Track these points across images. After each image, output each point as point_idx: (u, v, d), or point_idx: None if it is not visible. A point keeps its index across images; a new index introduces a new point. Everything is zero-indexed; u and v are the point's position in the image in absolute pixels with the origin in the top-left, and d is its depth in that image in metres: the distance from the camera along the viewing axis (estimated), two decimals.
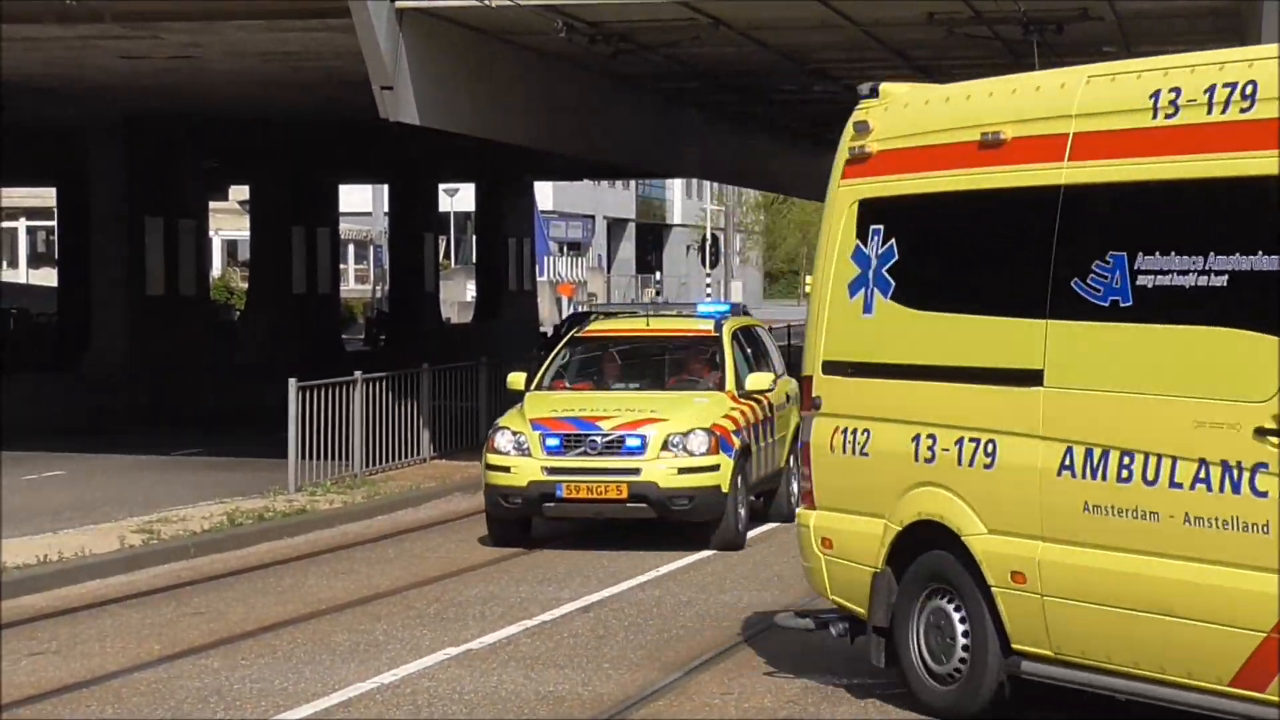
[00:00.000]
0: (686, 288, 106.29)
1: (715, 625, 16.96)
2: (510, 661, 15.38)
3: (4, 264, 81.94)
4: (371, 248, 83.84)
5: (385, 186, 62.69)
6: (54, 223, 59.84)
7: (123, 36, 28.75)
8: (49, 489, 27.68)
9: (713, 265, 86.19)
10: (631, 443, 21.38)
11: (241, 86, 35.22)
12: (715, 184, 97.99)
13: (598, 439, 21.38)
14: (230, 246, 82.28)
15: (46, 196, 58.36)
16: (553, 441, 21.38)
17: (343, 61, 26.69)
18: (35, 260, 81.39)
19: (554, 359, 24.05)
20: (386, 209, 62.44)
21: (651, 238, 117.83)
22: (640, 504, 21.28)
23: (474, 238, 69.68)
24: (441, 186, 63.94)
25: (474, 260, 69.33)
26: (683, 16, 27.68)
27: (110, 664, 15.39)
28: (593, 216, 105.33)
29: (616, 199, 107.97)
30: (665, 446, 21.30)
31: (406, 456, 30.03)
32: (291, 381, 26.96)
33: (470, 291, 69.31)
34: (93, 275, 42.43)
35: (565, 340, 25.21)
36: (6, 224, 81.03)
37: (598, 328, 25.10)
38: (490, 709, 13.72)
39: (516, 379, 23.37)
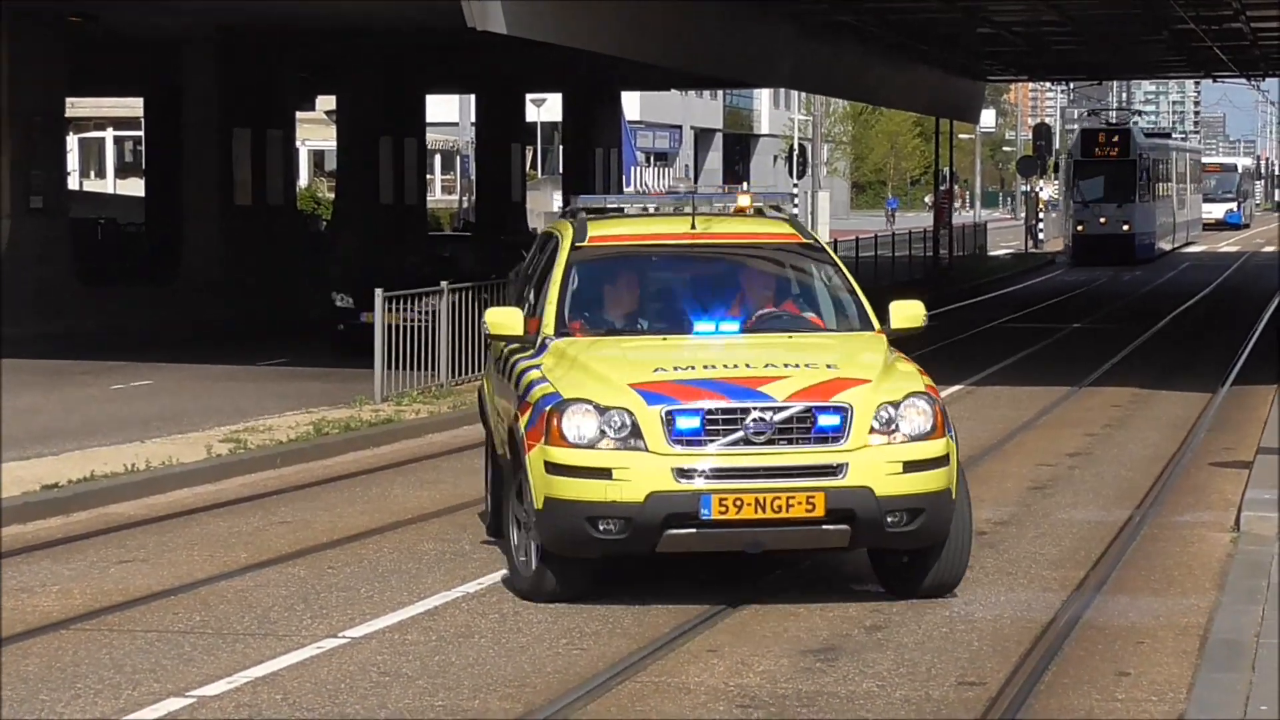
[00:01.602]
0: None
1: None
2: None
3: (91, 174, 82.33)
4: (458, 158, 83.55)
5: (472, 97, 62.55)
6: (140, 133, 59.89)
7: None
8: (137, 399, 27.83)
9: (800, 175, 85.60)
10: (827, 420, 13.15)
11: None
12: (804, 94, 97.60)
13: (767, 414, 13.10)
14: (317, 157, 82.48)
15: (133, 106, 58.41)
16: (688, 422, 13.04)
17: None
18: (122, 170, 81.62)
19: (562, 283, 15.06)
20: (474, 119, 62.37)
21: (739, 148, 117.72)
22: (840, 525, 13.14)
23: (560, 148, 69.65)
24: (528, 97, 63.98)
25: (560, 171, 69.29)
26: None
27: (198, 572, 15.50)
28: (680, 127, 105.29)
29: (704, 108, 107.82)
30: (875, 425, 13.33)
31: None
32: (378, 291, 27.04)
33: (557, 201, 69.30)
34: (184, 186, 42.68)
35: (566, 254, 15.27)
36: (93, 134, 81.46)
37: (610, 231, 15.88)
38: (576, 617, 13.74)
39: (505, 319, 15.10)
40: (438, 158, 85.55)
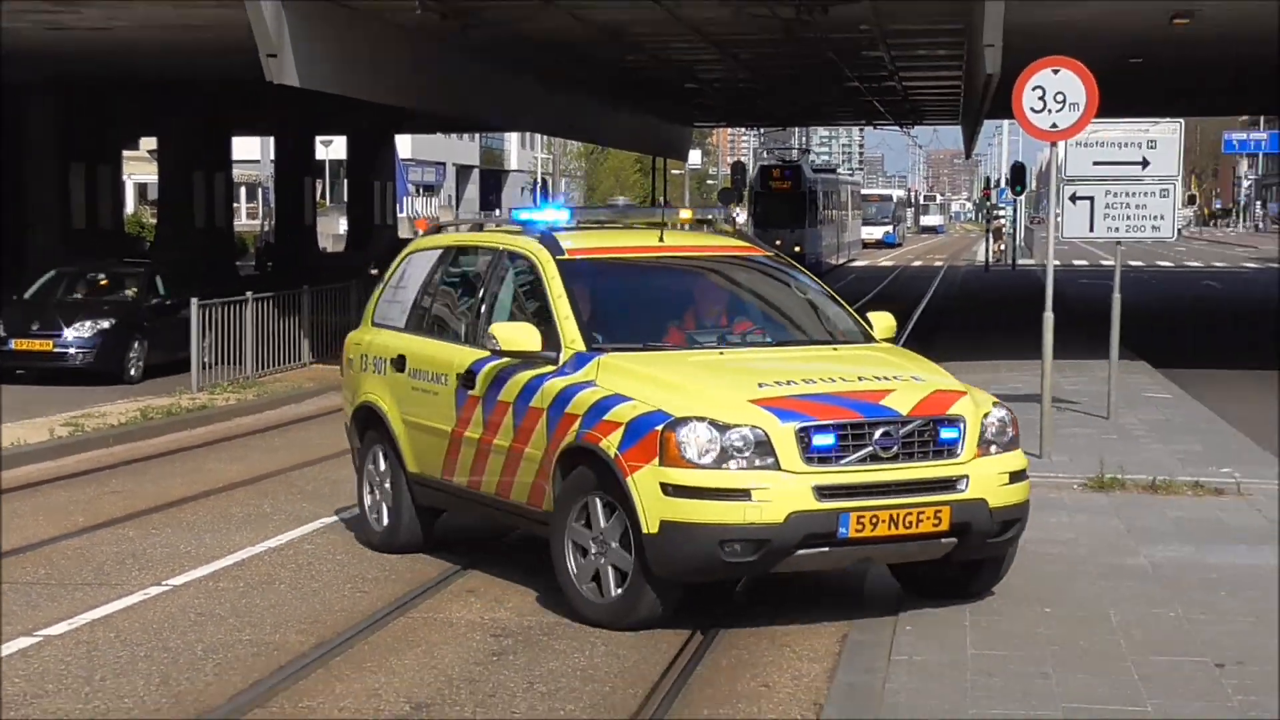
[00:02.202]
0: None
1: None
2: None
3: None
4: (260, 189, 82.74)
5: (271, 138, 61.98)
6: None
7: (49, 11, 28.34)
8: None
9: (545, 200, 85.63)
10: (946, 433, 11.17)
11: (151, 53, 34.75)
12: (545, 136, 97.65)
13: (893, 429, 10.99)
14: (141, 189, 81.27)
15: None
16: (824, 439, 10.80)
17: (236, 33, 26.35)
18: None
19: (569, 298, 12.32)
20: (273, 157, 61.78)
21: (493, 181, 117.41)
22: (953, 539, 11.16)
23: (345, 181, 69.14)
24: (318, 138, 63.45)
25: (345, 200, 68.84)
26: None
27: (41, 534, 15.24)
28: (444, 163, 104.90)
29: (464, 148, 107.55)
30: (983, 437, 11.39)
31: (290, 362, 29.94)
32: (194, 301, 26.82)
33: (342, 226, 68.90)
34: (27, 211, 42.03)
35: (554, 267, 12.57)
36: None
37: (585, 244, 13.12)
38: (359, 567, 13.75)
39: (520, 335, 12.23)
40: (243, 189, 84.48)
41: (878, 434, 10.82)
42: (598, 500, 11.31)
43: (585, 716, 9.65)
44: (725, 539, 10.52)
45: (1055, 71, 20.23)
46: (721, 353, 12.18)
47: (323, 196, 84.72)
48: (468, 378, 12.88)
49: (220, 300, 27.75)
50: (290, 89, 26.80)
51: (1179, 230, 22.77)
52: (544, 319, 12.38)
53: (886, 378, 11.49)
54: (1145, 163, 21.01)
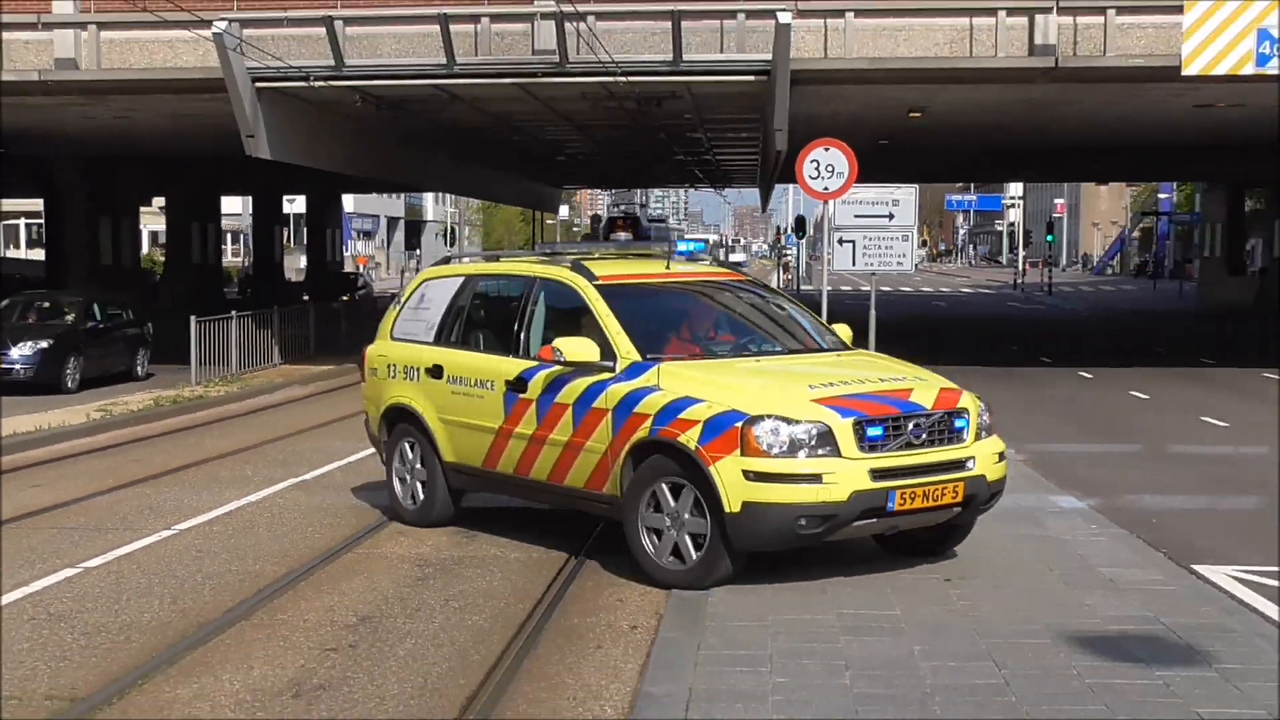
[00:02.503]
0: (437, 258, 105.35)
1: None
2: (330, 487, 15.28)
3: (11, 246, 79.63)
4: (242, 235, 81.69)
5: (250, 197, 61.22)
6: (42, 220, 57.63)
7: (83, 104, 27.87)
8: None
9: (451, 244, 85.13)
10: (959, 422, 10.50)
11: (161, 133, 34.20)
12: (453, 195, 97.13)
13: (922, 421, 10.31)
14: (154, 235, 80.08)
15: (38, 203, 56.20)
16: (875, 430, 10.08)
17: (223, 119, 26.04)
18: (31, 244, 78.52)
19: (617, 315, 11.19)
20: (251, 210, 61.02)
21: (414, 228, 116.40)
22: (960, 508, 10.51)
23: (305, 229, 68.50)
24: (285, 197, 62.85)
25: (305, 243, 68.21)
26: (431, 93, 27.45)
27: (80, 492, 15.00)
28: (378, 215, 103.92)
29: (393, 204, 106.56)
30: (979, 425, 10.71)
31: (265, 363, 29.64)
32: (192, 318, 26.52)
33: (303, 262, 68.08)
34: (65, 251, 41.43)
35: (594, 290, 11.46)
36: (10, 221, 78.83)
37: (610, 272, 11.95)
38: (318, 515, 13.62)
39: (582, 348, 11.00)
40: (229, 235, 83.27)
41: (910, 425, 10.16)
42: (664, 485, 10.29)
43: (487, 624, 9.63)
44: (801, 515, 9.79)
45: (826, 149, 20.45)
46: (759, 360, 11.22)
47: (288, 241, 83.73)
48: (518, 383, 11.53)
49: (212, 317, 27.47)
50: (264, 160, 26.54)
51: (916, 265, 23.05)
52: (591, 333, 11.14)
53: (900, 378, 10.74)
54: (891, 216, 21.26)
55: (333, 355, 31.56)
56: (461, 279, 13.01)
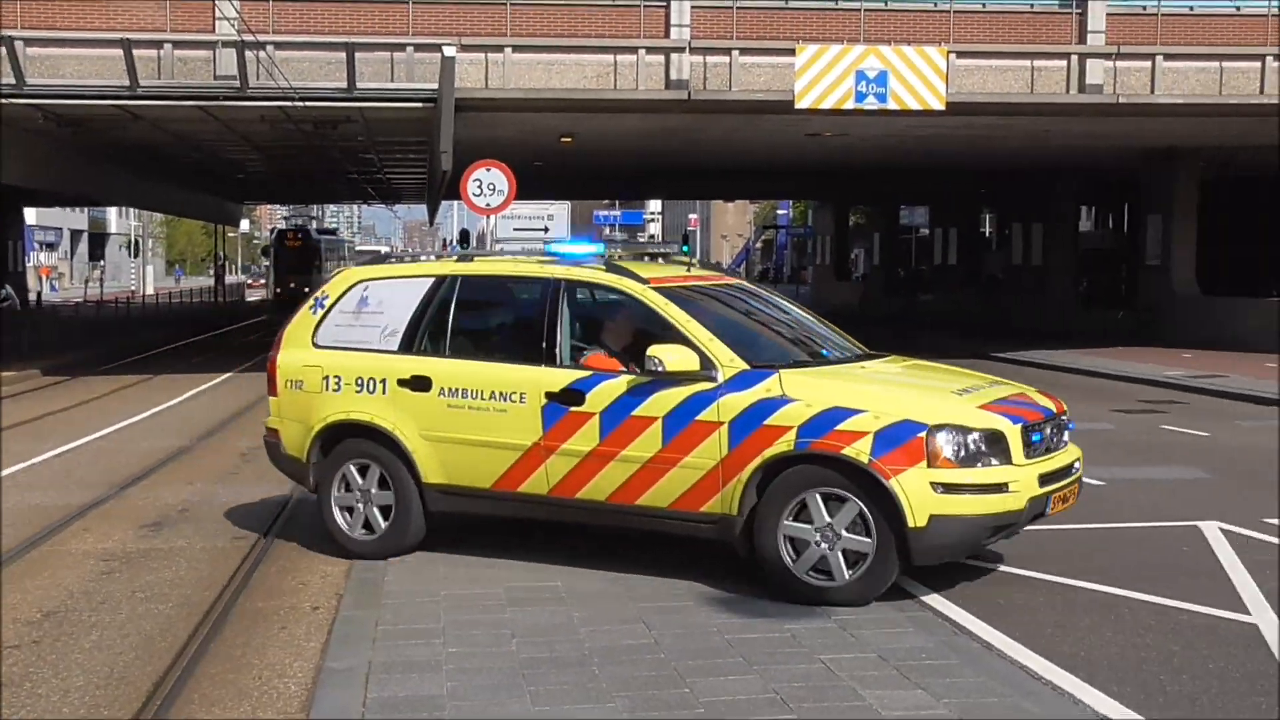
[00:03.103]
0: (121, 269, 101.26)
1: None
2: (8, 489, 14.37)
3: None
4: None
5: None
6: None
7: None
8: None
9: (136, 255, 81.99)
10: (1070, 427, 9.65)
11: None
12: (136, 209, 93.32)
13: (1054, 425, 9.34)
14: None
15: None
16: (1035, 436, 9.03)
17: None
18: None
19: (698, 321, 9.35)
20: None
21: (98, 240, 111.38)
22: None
23: None
24: None
25: None
26: (115, 113, 26.41)
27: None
28: (61, 227, 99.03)
29: (76, 217, 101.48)
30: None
31: None
32: None
33: None
34: None
35: (657, 294, 9.55)
36: None
37: (653, 274, 9.94)
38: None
39: (683, 356, 9.09)
40: None
41: (1049, 429, 9.15)
42: (818, 496, 8.73)
43: (173, 611, 9.25)
44: (992, 525, 8.65)
45: (488, 169, 20.53)
46: (864, 366, 9.75)
47: None
48: (568, 395, 9.46)
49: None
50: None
51: None
52: (664, 339, 9.32)
53: (995, 384, 9.66)
54: (547, 229, 21.45)
55: None
56: (431, 280, 10.45)
